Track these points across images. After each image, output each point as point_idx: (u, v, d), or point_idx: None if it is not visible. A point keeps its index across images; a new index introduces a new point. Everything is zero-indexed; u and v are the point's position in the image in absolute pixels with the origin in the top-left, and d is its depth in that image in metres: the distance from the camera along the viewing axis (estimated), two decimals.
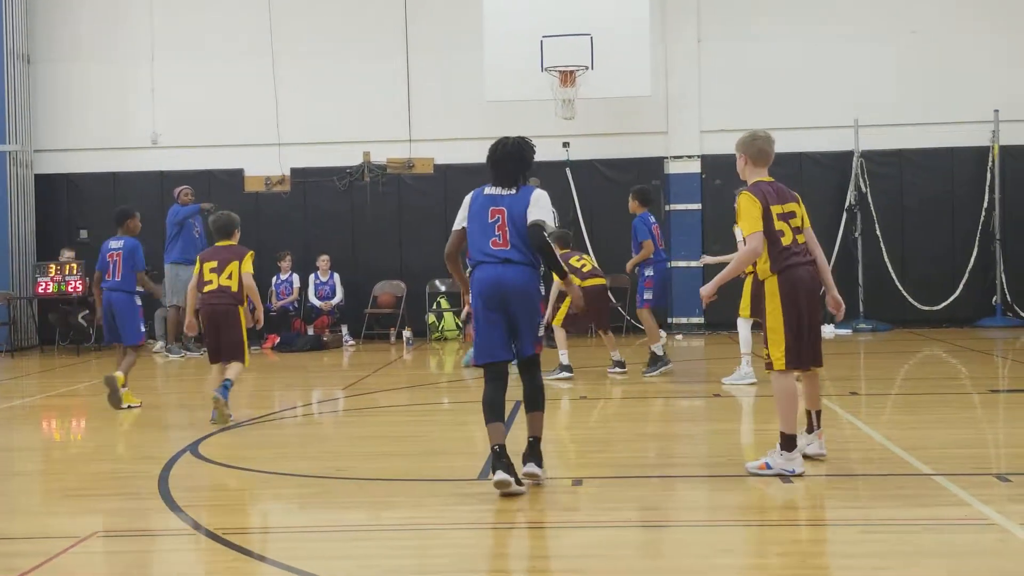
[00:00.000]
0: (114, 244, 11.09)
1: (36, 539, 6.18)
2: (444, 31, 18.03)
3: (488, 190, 6.99)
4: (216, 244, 10.33)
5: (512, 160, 7.00)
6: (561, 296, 12.24)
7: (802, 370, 7.24)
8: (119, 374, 10.66)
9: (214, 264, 10.07)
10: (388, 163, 18.24)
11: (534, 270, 6.89)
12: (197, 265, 10.24)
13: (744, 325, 11.38)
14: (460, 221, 7.05)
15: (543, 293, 7.85)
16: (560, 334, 12.37)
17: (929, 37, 17.48)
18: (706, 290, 7.39)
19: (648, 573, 5.32)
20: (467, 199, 7.07)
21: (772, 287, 7.03)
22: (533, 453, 6.87)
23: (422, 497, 6.88)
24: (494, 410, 6.82)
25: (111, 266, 11.02)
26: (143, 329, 11.07)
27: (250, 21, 18.31)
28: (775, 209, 7.06)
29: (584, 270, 12.43)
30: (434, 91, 18.10)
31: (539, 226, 6.77)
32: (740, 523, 6.24)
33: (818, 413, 7.45)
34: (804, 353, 7.07)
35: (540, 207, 6.83)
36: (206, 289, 10.07)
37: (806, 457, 7.26)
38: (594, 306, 12.13)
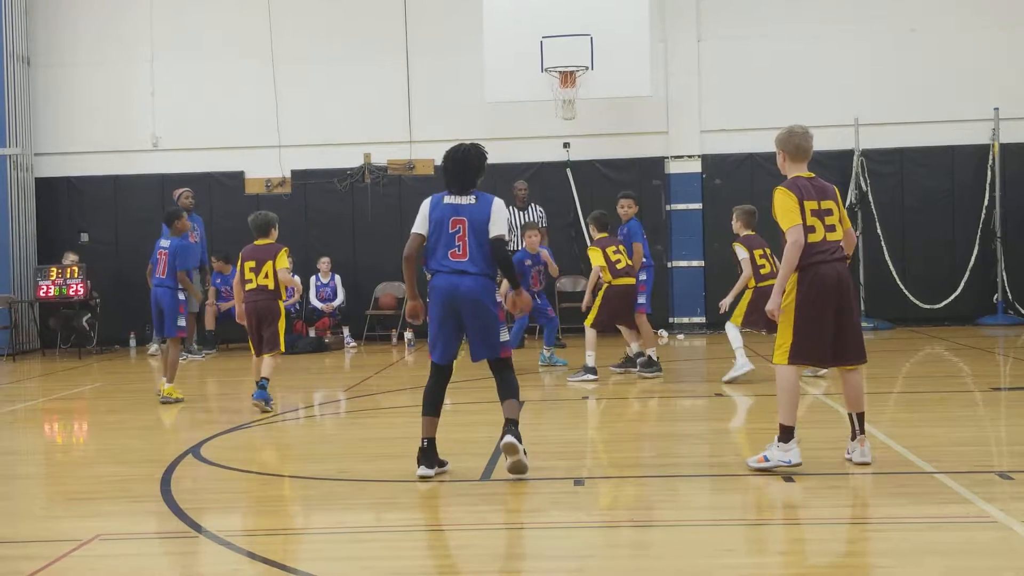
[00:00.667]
0: (163, 243, 11.85)
1: (38, 543, 6.19)
2: (444, 32, 18.04)
3: (447, 199, 7.32)
4: (255, 242, 10.89)
5: (464, 167, 7.32)
6: (594, 295, 12.32)
7: (813, 366, 7.26)
8: (165, 387, 11.48)
9: (252, 264, 10.77)
10: (389, 164, 18.25)
11: (489, 280, 7.24)
12: (239, 262, 10.93)
13: (731, 327, 11.55)
14: (420, 227, 7.33)
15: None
16: (590, 335, 12.29)
17: (929, 35, 17.48)
18: (772, 305, 7.14)
19: (649, 572, 5.32)
20: (426, 205, 7.36)
21: (793, 281, 7.05)
22: (510, 429, 7.10)
23: (425, 498, 6.89)
24: (432, 404, 7.31)
25: (160, 263, 11.81)
26: (182, 324, 11.73)
27: (250, 23, 18.32)
28: (808, 205, 7.08)
29: (618, 266, 12.24)
30: (434, 92, 18.11)
31: (501, 240, 7.22)
32: (742, 522, 6.24)
33: (860, 416, 7.24)
34: (813, 350, 7.06)
35: (500, 221, 7.23)
36: (247, 288, 10.75)
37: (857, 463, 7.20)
38: (621, 305, 12.21)
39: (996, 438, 8.59)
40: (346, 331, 17.54)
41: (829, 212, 7.13)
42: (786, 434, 7.06)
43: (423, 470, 7.20)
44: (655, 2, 17.14)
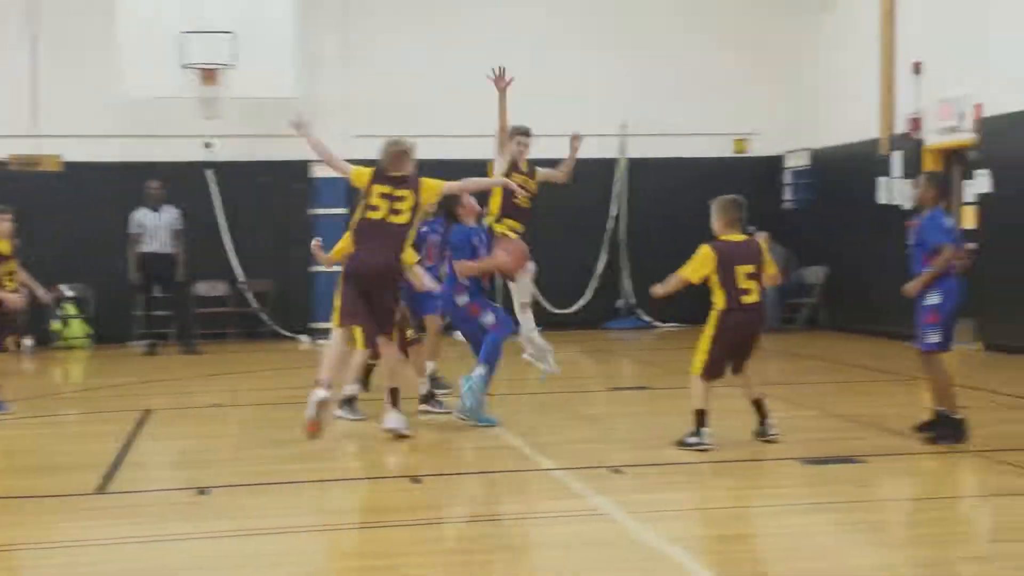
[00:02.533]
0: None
1: None
2: (75, 22, 17.10)
3: None
4: None
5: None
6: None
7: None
8: None
9: None
10: (10, 159, 17.09)
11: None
12: None
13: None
14: None
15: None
16: (697, 387, 8.02)
17: (560, 52, 18.24)
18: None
19: None
20: None
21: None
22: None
23: (31, 514, 6.50)
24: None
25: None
26: None
27: None
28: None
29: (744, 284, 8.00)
30: (65, 86, 17.10)
31: None
32: (356, 526, 6.28)
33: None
34: None
35: None
36: None
37: None
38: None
39: (613, 435, 9.09)
40: None
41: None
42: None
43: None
44: (300, 2, 17.01)
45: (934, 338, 7.92)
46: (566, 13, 18.38)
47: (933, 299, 7.92)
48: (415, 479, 7.15)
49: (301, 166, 17.98)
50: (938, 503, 6.55)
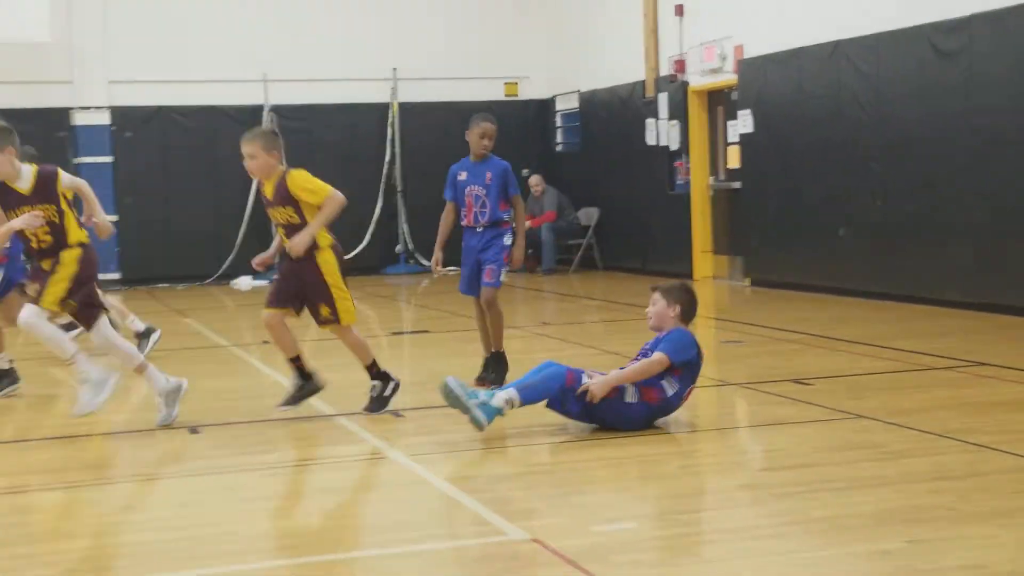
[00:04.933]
0: None
1: None
2: None
3: None
4: None
5: None
6: None
7: None
8: None
9: None
10: None
11: None
12: None
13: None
14: None
15: None
16: None
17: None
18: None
19: None
20: None
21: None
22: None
23: None
24: None
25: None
26: None
27: None
28: None
29: None
30: None
31: None
32: (139, 479, 6.15)
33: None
34: None
35: None
36: None
37: None
38: None
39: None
40: None
41: None
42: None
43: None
44: None
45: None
46: None
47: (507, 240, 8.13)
48: (193, 430, 7.02)
49: (62, 113, 17.22)
50: (710, 435, 6.85)
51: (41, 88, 17.03)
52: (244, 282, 16.42)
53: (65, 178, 7.19)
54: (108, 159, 17.40)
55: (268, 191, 7.19)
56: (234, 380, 9.24)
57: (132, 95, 17.38)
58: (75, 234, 7.11)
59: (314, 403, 7.47)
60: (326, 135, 18.07)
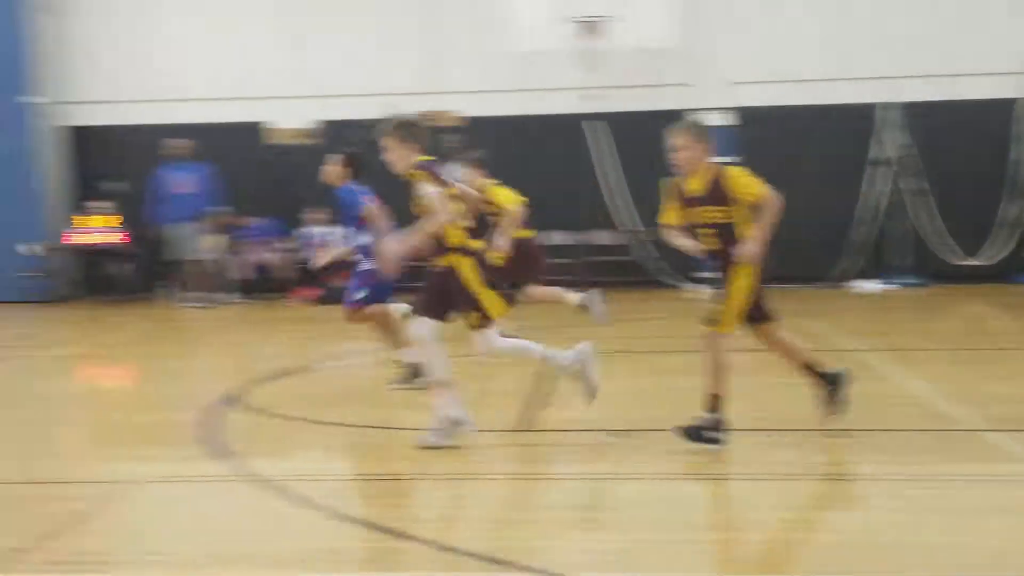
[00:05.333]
0: None
1: (83, 483, 6.31)
2: None
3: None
4: None
5: None
6: None
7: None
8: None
9: None
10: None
11: None
12: None
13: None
14: None
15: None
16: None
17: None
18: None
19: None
20: None
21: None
22: None
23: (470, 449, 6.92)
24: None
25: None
26: None
27: None
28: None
29: None
30: (457, 41, 17.78)
31: None
32: (783, 478, 6.26)
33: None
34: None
35: None
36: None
37: None
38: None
39: None
40: None
41: None
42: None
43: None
44: None
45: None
46: None
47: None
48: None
49: (678, 116, 17.87)
50: None
51: (664, 91, 17.72)
52: None
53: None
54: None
55: (696, 187, 6.83)
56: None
57: (752, 96, 17.59)
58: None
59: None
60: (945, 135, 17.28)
